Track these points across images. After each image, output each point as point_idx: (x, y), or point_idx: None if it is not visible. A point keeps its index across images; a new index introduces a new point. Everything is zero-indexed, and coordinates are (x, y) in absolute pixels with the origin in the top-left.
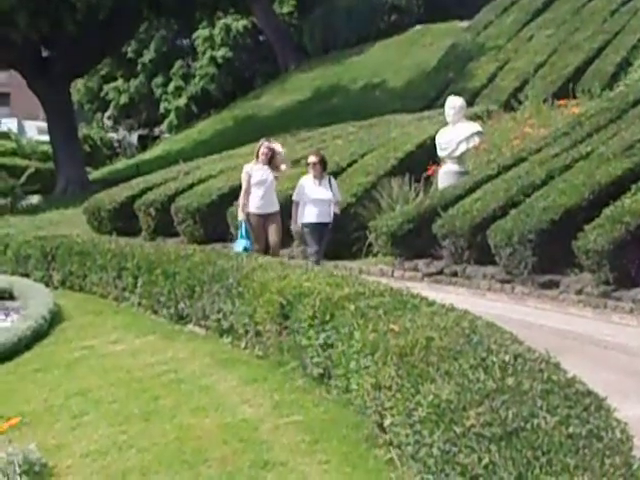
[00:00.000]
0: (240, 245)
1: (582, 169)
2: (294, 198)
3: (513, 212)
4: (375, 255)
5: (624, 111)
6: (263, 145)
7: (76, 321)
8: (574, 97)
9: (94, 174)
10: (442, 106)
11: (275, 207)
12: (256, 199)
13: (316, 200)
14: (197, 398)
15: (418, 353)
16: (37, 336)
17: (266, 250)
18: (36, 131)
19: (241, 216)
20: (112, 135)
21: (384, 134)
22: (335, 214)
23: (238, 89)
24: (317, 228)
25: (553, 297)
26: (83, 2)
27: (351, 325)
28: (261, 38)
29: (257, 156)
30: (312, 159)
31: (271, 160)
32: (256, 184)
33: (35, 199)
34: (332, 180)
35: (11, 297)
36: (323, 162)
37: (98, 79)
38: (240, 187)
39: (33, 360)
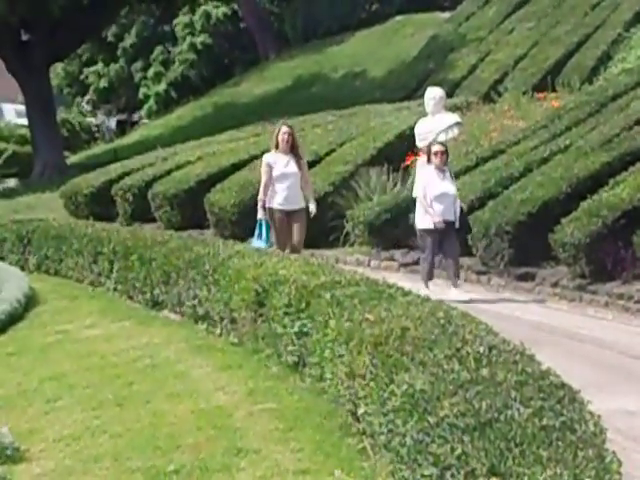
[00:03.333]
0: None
1: (560, 162)
2: (418, 193)
3: (490, 204)
4: (352, 244)
5: (603, 105)
6: (282, 130)
7: (51, 305)
8: (554, 90)
9: (72, 158)
10: (422, 96)
11: (301, 203)
12: (279, 194)
13: (440, 196)
14: (171, 384)
15: (393, 343)
16: (12, 320)
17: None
18: (14, 114)
19: (261, 214)
20: (91, 120)
21: (363, 124)
22: (461, 210)
23: (218, 76)
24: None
25: (529, 289)
26: None
27: (326, 314)
28: (241, 25)
29: (276, 144)
30: (437, 147)
31: (294, 146)
32: (279, 177)
33: (12, 182)
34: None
35: None
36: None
37: (78, 63)
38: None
39: (7, 344)
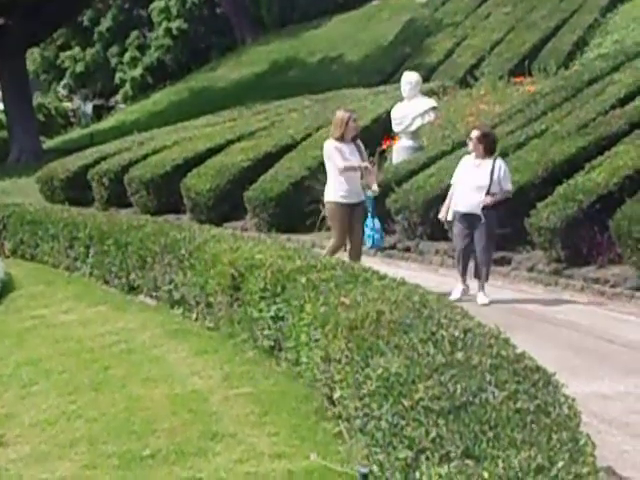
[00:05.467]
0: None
1: (536, 147)
2: (452, 181)
3: None
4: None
5: (579, 90)
6: (351, 118)
7: (27, 290)
8: (530, 75)
9: (48, 143)
10: (398, 81)
11: (362, 196)
12: (342, 185)
13: (468, 186)
14: (147, 369)
15: (368, 326)
16: None
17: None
18: None
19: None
20: (67, 104)
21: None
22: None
23: (194, 61)
24: (465, 219)
25: (505, 274)
26: None
27: (302, 298)
28: (218, 10)
29: (342, 133)
30: (474, 133)
31: (356, 135)
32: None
33: None
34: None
35: None
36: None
37: (54, 48)
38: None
39: None
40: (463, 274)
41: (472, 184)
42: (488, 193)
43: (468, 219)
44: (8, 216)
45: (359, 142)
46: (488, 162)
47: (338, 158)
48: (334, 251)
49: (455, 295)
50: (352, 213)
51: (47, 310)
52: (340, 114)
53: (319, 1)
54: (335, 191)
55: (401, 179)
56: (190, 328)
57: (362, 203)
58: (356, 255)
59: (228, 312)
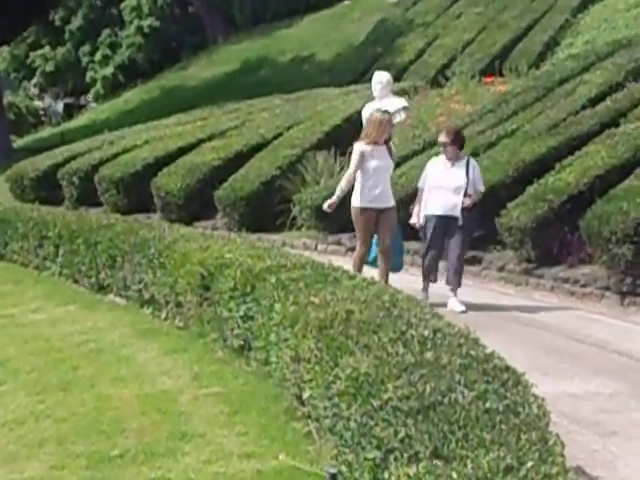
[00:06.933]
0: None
1: (507, 146)
2: (418, 185)
3: None
4: (299, 228)
5: (550, 90)
6: (385, 119)
7: None
8: (501, 75)
9: (18, 142)
10: (369, 81)
11: (392, 201)
12: (371, 189)
13: (444, 188)
14: (116, 368)
15: (338, 326)
16: None
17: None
18: None
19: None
20: (38, 103)
21: (311, 107)
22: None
23: (165, 60)
24: (442, 223)
25: (475, 273)
26: None
27: (271, 297)
28: (190, 9)
29: (377, 136)
30: (444, 138)
31: (389, 137)
32: (374, 170)
33: None
34: (472, 164)
35: None
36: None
37: (24, 46)
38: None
39: None
40: (432, 279)
41: (448, 186)
42: (466, 194)
43: (444, 222)
44: None
45: (391, 144)
46: (461, 163)
47: (358, 162)
48: (360, 259)
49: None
50: (378, 219)
51: (16, 309)
52: (378, 116)
53: (291, 1)
54: (360, 195)
55: None
56: (160, 327)
57: (392, 209)
58: (384, 265)
59: (198, 311)
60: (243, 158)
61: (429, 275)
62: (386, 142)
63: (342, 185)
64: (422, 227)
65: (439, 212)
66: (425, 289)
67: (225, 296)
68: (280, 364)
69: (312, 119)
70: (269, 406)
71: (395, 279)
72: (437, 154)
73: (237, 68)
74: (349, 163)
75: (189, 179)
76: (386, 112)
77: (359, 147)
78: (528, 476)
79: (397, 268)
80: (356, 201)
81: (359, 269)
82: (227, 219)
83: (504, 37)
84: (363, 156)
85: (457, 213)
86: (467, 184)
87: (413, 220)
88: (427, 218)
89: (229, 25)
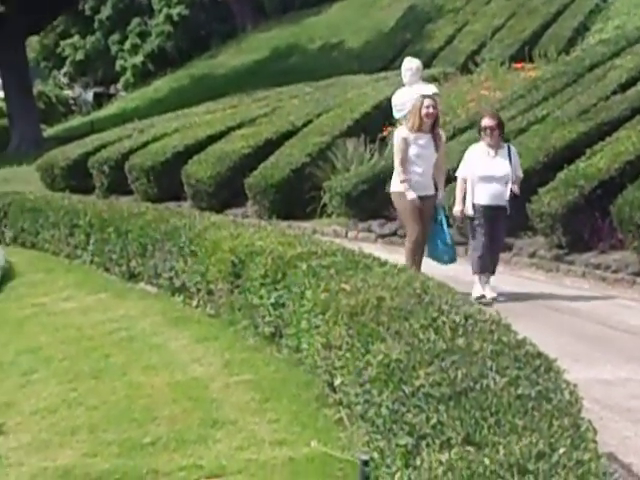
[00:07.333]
0: (443, 254)
1: (537, 132)
2: (458, 174)
3: None
4: (329, 216)
5: (580, 75)
6: (424, 103)
7: (27, 278)
8: (531, 61)
9: (48, 131)
10: (399, 67)
11: (432, 190)
12: (414, 177)
13: (491, 178)
14: (147, 356)
15: (369, 313)
16: None
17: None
18: None
19: (410, 196)
20: (67, 92)
21: (340, 94)
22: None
23: (195, 48)
24: (491, 213)
25: (506, 260)
26: None
27: (302, 284)
28: None
29: (419, 120)
30: (489, 122)
31: (436, 124)
32: (416, 157)
33: None
34: (512, 150)
35: None
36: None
37: (54, 36)
38: None
39: None
40: (491, 271)
41: (495, 175)
42: (511, 182)
43: (494, 212)
44: (9, 204)
45: (439, 131)
46: (503, 150)
47: (401, 146)
48: (414, 247)
49: (478, 292)
50: (422, 206)
51: (47, 298)
52: (418, 103)
53: None
54: (399, 179)
55: None
56: (191, 315)
57: (432, 198)
58: (419, 256)
59: (229, 299)
60: (273, 146)
61: (487, 268)
62: (434, 130)
63: (401, 177)
64: (470, 218)
65: (489, 202)
66: (487, 282)
67: (256, 283)
68: (311, 351)
69: (342, 106)
70: (300, 393)
71: (427, 265)
72: (475, 140)
73: (266, 56)
74: (381, 150)
75: (219, 167)
76: (428, 96)
77: (399, 133)
78: (560, 462)
79: (451, 260)
80: (395, 186)
81: (414, 258)
82: (257, 207)
83: (534, 23)
84: (405, 142)
85: (505, 202)
86: (511, 171)
87: (457, 209)
88: (475, 209)
89: (258, 13)
